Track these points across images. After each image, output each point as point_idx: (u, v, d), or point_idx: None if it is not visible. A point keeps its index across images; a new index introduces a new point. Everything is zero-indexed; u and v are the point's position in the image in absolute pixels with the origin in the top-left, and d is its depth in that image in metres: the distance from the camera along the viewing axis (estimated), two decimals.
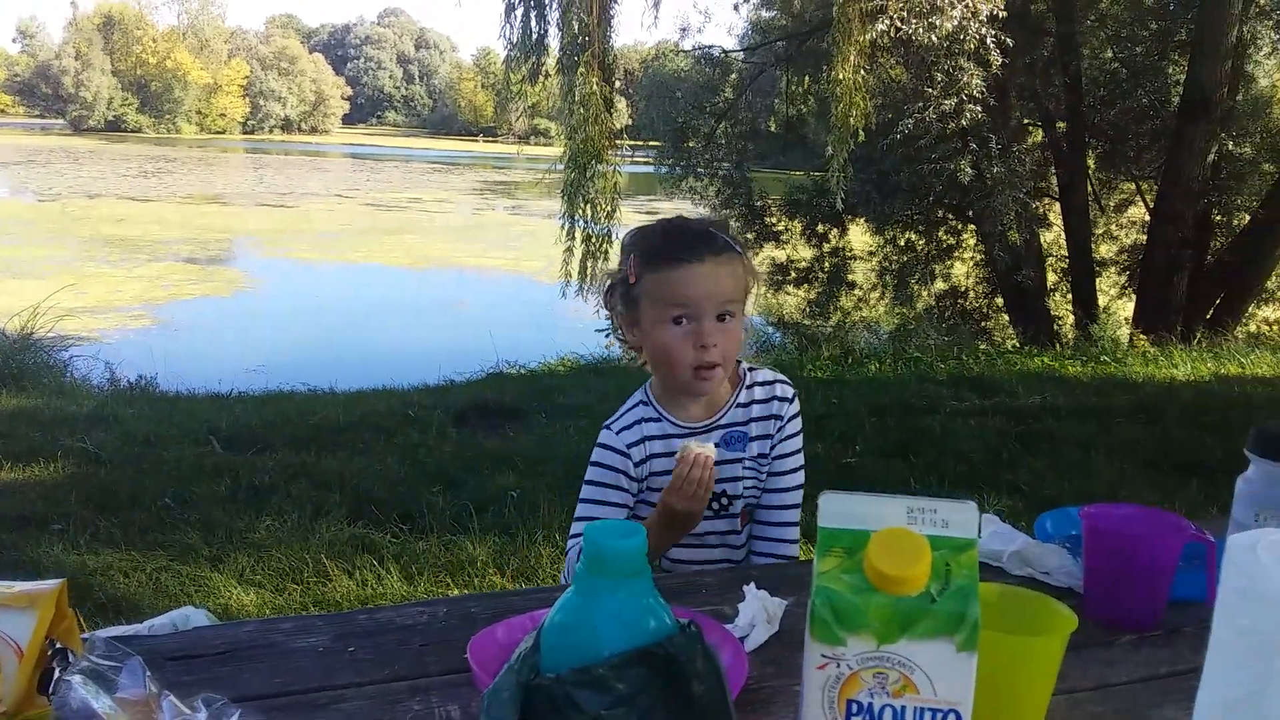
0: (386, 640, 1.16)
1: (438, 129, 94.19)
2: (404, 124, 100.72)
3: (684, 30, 18.46)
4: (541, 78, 8.98)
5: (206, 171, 40.08)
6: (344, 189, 34.05)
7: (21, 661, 0.90)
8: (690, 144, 11.37)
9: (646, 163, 12.93)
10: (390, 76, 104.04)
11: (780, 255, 11.41)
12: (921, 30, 7.62)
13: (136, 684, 0.86)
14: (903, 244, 11.05)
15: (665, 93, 12.82)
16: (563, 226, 8.78)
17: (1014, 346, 9.12)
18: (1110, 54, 10.43)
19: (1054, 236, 10.90)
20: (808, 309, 11.24)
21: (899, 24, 7.57)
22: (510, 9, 8.58)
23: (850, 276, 11.49)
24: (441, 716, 0.99)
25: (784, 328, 10.93)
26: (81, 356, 8.20)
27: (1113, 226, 11.44)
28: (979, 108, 8.33)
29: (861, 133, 7.27)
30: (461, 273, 17.77)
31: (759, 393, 1.65)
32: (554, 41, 8.57)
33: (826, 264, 11.32)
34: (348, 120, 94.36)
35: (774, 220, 11.41)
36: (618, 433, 1.64)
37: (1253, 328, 9.92)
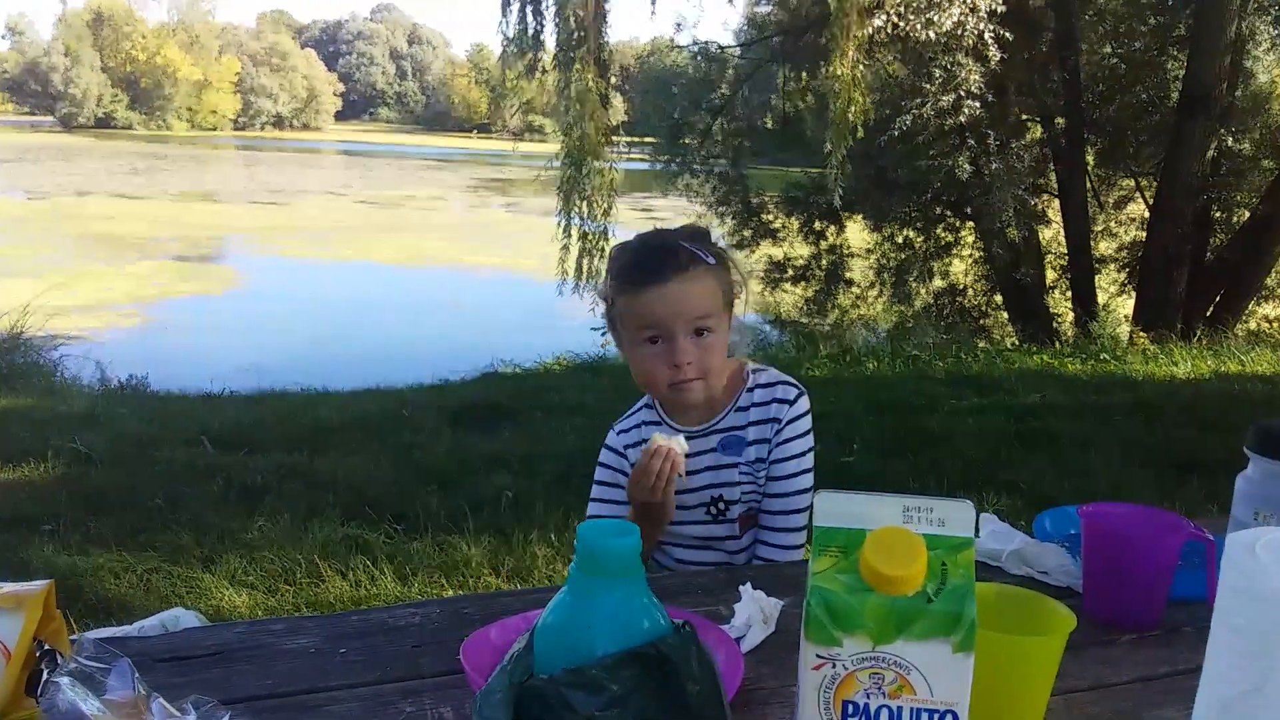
0: (379, 641, 1.15)
1: (431, 125, 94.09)
2: (397, 120, 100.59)
3: (679, 25, 18.49)
4: (539, 74, 8.98)
5: (198, 169, 40.04)
6: (337, 186, 34.03)
7: (8, 663, 0.89)
8: (686, 141, 11.38)
9: (642, 159, 12.93)
10: (383, 73, 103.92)
11: (778, 253, 11.43)
12: (920, 26, 7.62)
13: (125, 686, 0.85)
14: (901, 241, 11.07)
15: (661, 89, 12.83)
16: (559, 224, 8.79)
17: (1013, 344, 9.14)
18: (1109, 50, 10.43)
19: (1053, 233, 10.91)
20: (805, 307, 11.27)
21: (897, 20, 7.58)
22: (506, 4, 8.58)
23: (848, 274, 11.51)
24: (434, 718, 0.98)
25: (782, 325, 10.95)
26: (72, 356, 8.19)
27: (1112, 223, 11.45)
28: (977, 104, 8.34)
29: (861, 129, 7.28)
30: (456, 271, 17.76)
31: (759, 395, 1.63)
32: (550, 38, 8.58)
33: (824, 261, 11.34)
34: (340, 117, 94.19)
35: (771, 217, 11.42)
36: (619, 433, 1.69)
37: (1252, 325, 9.93)
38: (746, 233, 11.28)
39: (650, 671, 0.68)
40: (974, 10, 7.62)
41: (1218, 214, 9.79)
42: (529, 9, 8.58)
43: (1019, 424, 5.45)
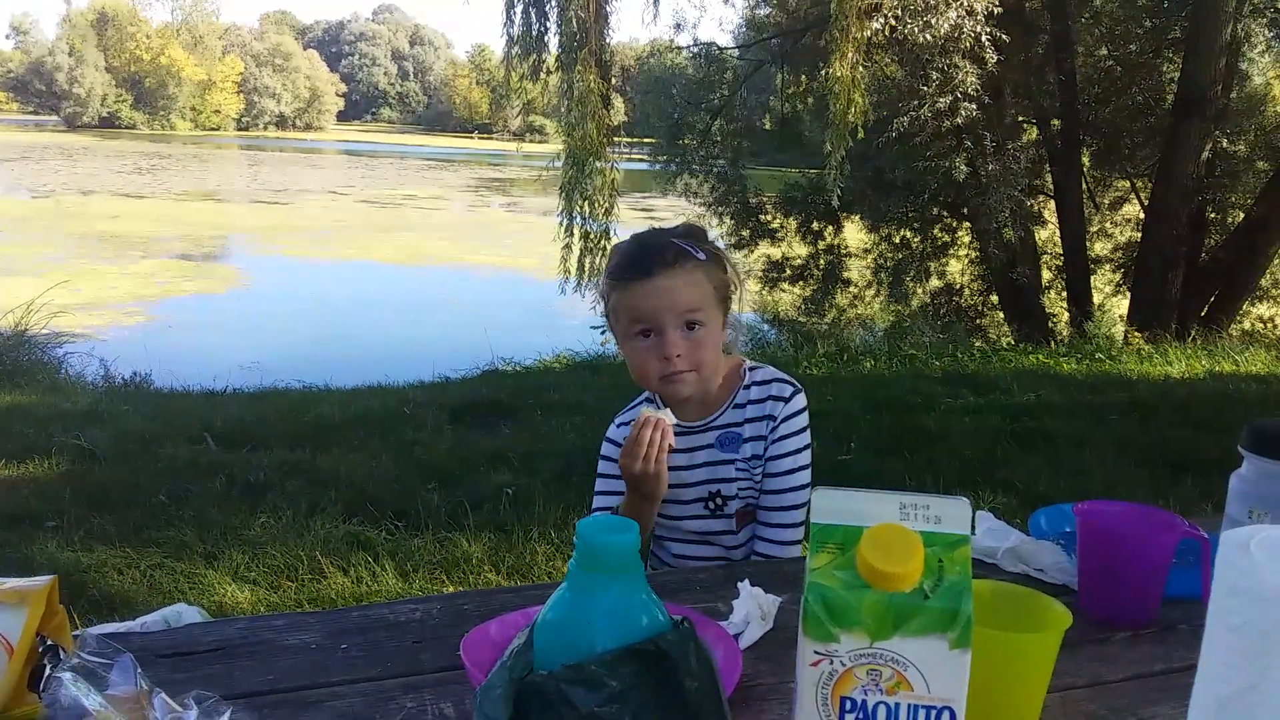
0: (380, 637, 1.16)
1: (432, 126, 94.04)
2: (399, 121, 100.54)
3: (679, 26, 18.48)
4: (543, 75, 8.99)
5: (201, 168, 39.98)
6: (339, 186, 33.99)
7: (11, 658, 0.89)
8: (685, 141, 11.37)
9: (642, 160, 12.92)
10: (385, 73, 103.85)
11: (776, 252, 11.42)
12: (917, 29, 7.63)
13: (128, 681, 0.85)
14: (898, 241, 11.07)
15: (661, 89, 12.81)
16: (561, 223, 8.80)
17: (1009, 344, 9.14)
18: (1105, 52, 10.44)
19: (1049, 234, 10.92)
20: (803, 306, 11.27)
21: (894, 22, 7.58)
22: (510, 6, 8.60)
23: (845, 274, 11.52)
24: (434, 714, 0.99)
25: (779, 325, 10.95)
26: (75, 353, 8.18)
27: (1107, 224, 11.46)
28: (974, 105, 8.34)
29: (861, 130, 7.28)
30: (457, 270, 17.75)
31: (755, 393, 1.65)
32: (553, 39, 8.59)
33: (822, 261, 11.34)
34: (342, 117, 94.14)
35: (769, 217, 11.42)
36: (619, 425, 1.72)
37: (1247, 325, 9.94)
38: (745, 232, 11.27)
39: (649, 667, 0.68)
40: (970, 13, 7.63)
41: (1212, 215, 9.80)
42: (532, 11, 8.60)
43: (1015, 423, 5.46)
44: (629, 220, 8.97)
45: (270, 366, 8.59)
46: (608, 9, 8.38)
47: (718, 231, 11.03)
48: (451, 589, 3.23)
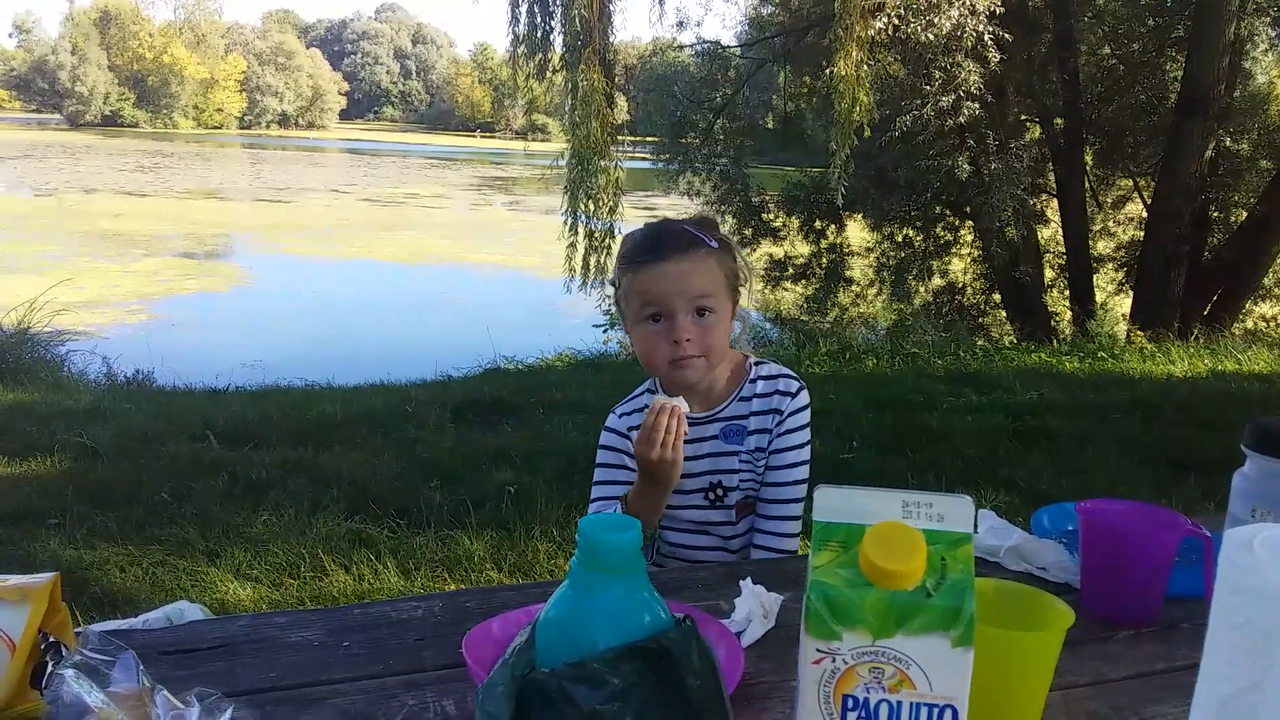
0: (381, 635, 1.16)
1: (435, 124, 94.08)
2: (401, 119, 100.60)
3: (682, 24, 18.46)
4: (549, 73, 9.00)
5: (203, 167, 40.01)
6: (341, 184, 34.00)
7: (13, 655, 0.89)
8: (688, 139, 11.36)
9: (645, 158, 12.92)
10: (387, 72, 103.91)
11: (778, 251, 11.42)
12: (920, 28, 7.62)
13: (129, 678, 0.85)
14: (900, 240, 11.07)
15: (663, 88, 12.81)
16: (565, 222, 8.81)
17: (1011, 342, 9.14)
18: (1108, 50, 10.44)
19: (1051, 233, 10.92)
20: (805, 305, 11.27)
21: (897, 21, 7.57)
22: (515, 5, 8.60)
23: (848, 273, 11.51)
24: (436, 711, 0.99)
25: (782, 323, 10.94)
26: (78, 351, 8.19)
27: (1110, 223, 11.46)
28: (977, 104, 8.34)
29: (867, 129, 7.28)
30: (459, 268, 17.75)
31: (761, 387, 1.67)
32: (557, 38, 8.59)
33: (824, 260, 11.34)
34: (345, 116, 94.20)
35: (771, 216, 11.42)
36: (620, 415, 1.72)
37: (1249, 324, 9.94)
38: (747, 231, 11.27)
39: (651, 665, 0.68)
40: (973, 12, 7.62)
41: (1215, 214, 9.80)
42: (537, 10, 8.60)
43: (1017, 421, 5.45)
44: (633, 219, 8.97)
45: (272, 364, 8.60)
46: (611, 8, 8.39)
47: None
48: (453, 587, 3.23)
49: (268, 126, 78.70)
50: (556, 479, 4.29)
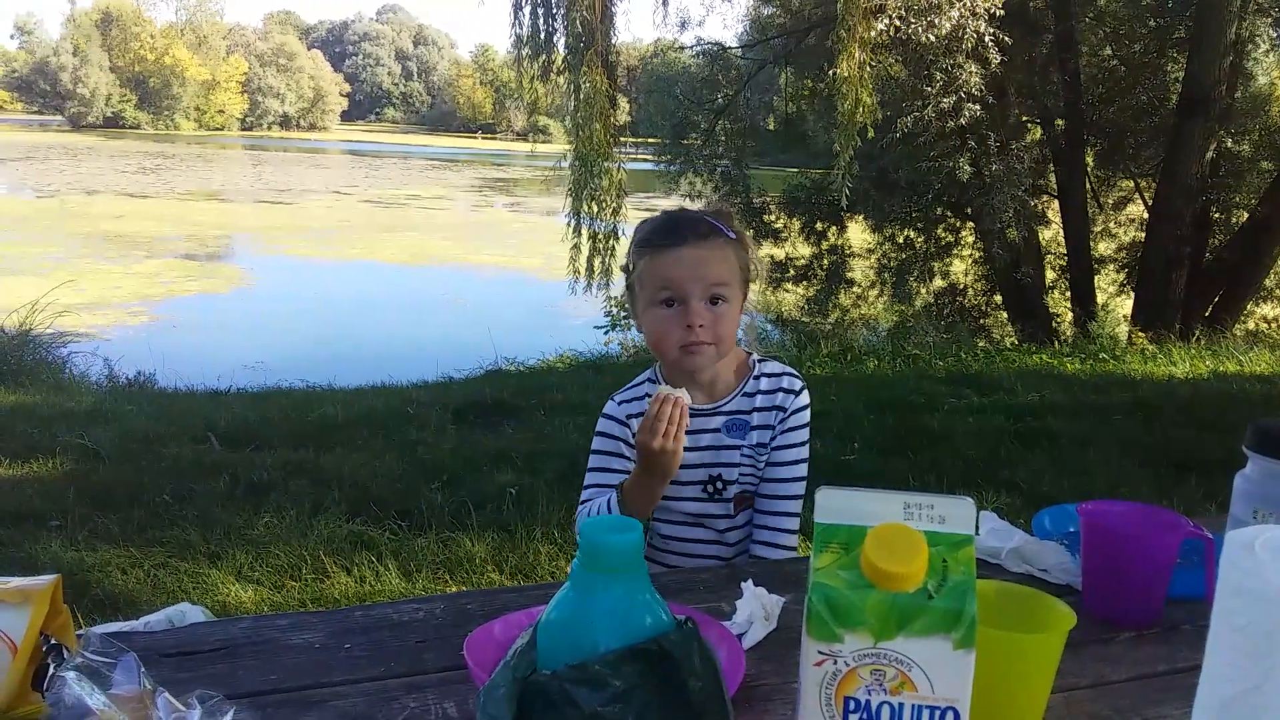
0: (383, 637, 1.16)
1: (436, 126, 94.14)
2: (402, 121, 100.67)
3: (683, 24, 18.48)
4: (552, 75, 9.00)
5: (205, 168, 40.04)
6: (342, 186, 34.03)
7: (15, 657, 0.89)
8: (689, 141, 11.37)
9: (646, 159, 12.92)
10: (389, 73, 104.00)
11: (779, 253, 11.42)
12: (921, 29, 7.62)
13: (131, 680, 0.85)
14: (901, 241, 11.06)
15: (665, 89, 12.80)
16: (568, 224, 8.81)
17: (1012, 344, 9.14)
18: (1109, 51, 10.43)
19: (1052, 234, 10.91)
20: (806, 306, 11.26)
21: (898, 23, 7.58)
22: (518, 6, 8.60)
23: (849, 274, 11.51)
24: (438, 713, 0.99)
25: (783, 325, 10.94)
26: (79, 353, 8.19)
27: (1111, 224, 11.45)
28: (978, 106, 8.34)
29: (871, 129, 7.28)
30: (460, 270, 17.76)
31: (765, 384, 1.68)
32: (560, 39, 8.60)
33: (825, 261, 11.33)
34: (346, 117, 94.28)
35: (773, 218, 11.42)
36: (620, 403, 1.73)
37: (1251, 325, 9.94)
38: (748, 233, 11.22)
39: (653, 667, 0.68)
40: (974, 13, 7.62)
41: (1216, 215, 9.80)
42: (540, 11, 8.60)
43: (1018, 423, 5.45)
44: (635, 220, 8.98)
45: (274, 366, 8.60)
46: (613, 9, 8.39)
47: None
48: (455, 589, 3.23)
49: (269, 128, 78.75)
50: (558, 480, 4.29)
